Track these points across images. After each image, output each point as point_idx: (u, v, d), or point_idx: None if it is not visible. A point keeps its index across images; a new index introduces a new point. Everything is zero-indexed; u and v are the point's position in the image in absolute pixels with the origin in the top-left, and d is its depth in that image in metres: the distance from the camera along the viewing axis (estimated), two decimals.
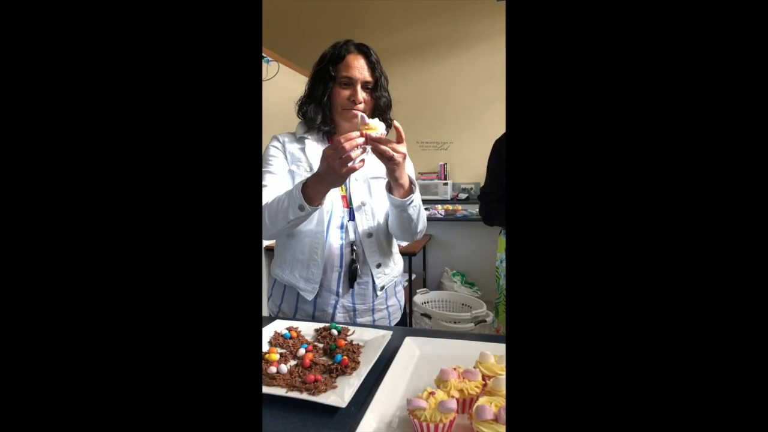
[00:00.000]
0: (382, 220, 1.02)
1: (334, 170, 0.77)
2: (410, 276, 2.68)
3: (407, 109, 3.34)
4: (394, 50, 3.41)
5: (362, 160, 0.78)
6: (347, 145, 0.75)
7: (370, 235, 1.00)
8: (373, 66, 0.99)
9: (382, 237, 1.03)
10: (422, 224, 1.00)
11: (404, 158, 0.84)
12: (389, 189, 0.92)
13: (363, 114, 0.83)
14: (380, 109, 1.02)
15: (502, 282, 1.25)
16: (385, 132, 0.82)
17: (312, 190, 0.83)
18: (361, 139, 0.77)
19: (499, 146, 1.27)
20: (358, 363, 0.71)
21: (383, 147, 0.80)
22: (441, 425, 0.51)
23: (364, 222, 1.00)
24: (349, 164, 0.77)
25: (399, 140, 0.82)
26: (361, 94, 0.97)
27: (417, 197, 0.94)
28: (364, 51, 0.99)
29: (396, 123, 0.84)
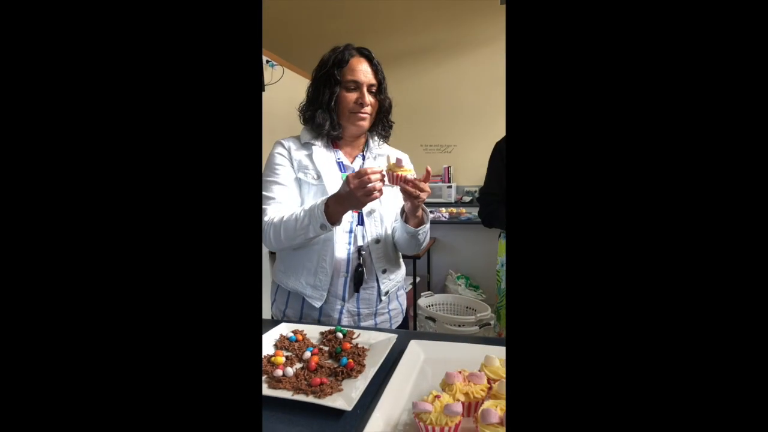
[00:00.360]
0: (389, 228, 1.03)
1: (357, 198, 0.82)
2: (414, 279, 2.68)
3: (411, 112, 3.35)
4: (399, 53, 3.42)
5: (380, 190, 0.84)
6: (373, 177, 0.81)
7: (378, 241, 1.01)
8: (376, 69, 1.00)
9: (389, 243, 1.04)
10: (426, 241, 1.04)
11: (427, 196, 0.89)
12: (402, 214, 0.98)
13: (399, 158, 0.88)
14: (385, 111, 1.04)
15: (504, 286, 1.25)
16: (414, 173, 0.89)
17: (333, 210, 0.87)
18: (378, 175, 0.83)
19: (500, 148, 1.27)
20: (364, 366, 0.71)
21: (411, 189, 0.86)
22: (447, 428, 0.51)
23: (373, 228, 1.01)
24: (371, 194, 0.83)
25: (426, 179, 0.87)
26: (368, 97, 0.98)
27: (428, 225, 1.00)
28: (366, 54, 1.00)
29: (428, 167, 0.89)
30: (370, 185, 0.81)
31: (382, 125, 1.06)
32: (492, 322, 2.18)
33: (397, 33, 3.47)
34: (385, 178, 0.85)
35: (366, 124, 1.01)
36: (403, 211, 0.98)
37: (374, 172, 0.82)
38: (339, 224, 0.91)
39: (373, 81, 0.99)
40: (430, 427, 0.52)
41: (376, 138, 1.08)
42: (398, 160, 0.87)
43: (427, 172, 0.87)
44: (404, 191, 0.87)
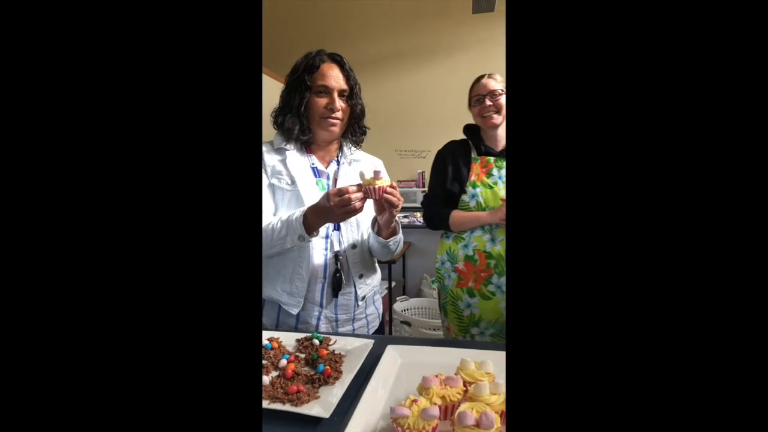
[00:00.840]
0: (365, 233, 1.03)
1: (336, 215, 0.83)
2: (390, 284, 2.69)
3: (386, 118, 3.37)
4: (373, 59, 3.44)
5: (361, 208, 0.84)
6: (354, 197, 0.82)
7: (354, 246, 1.01)
8: (347, 74, 1.01)
9: (365, 249, 1.04)
10: (399, 249, 1.06)
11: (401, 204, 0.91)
12: (374, 225, 0.99)
13: (378, 170, 0.88)
14: (356, 117, 1.05)
15: (446, 282, 1.31)
16: (389, 180, 0.89)
17: (311, 221, 0.88)
18: (359, 195, 0.83)
19: (441, 155, 1.37)
20: (341, 372, 0.71)
21: (392, 198, 0.86)
22: None
23: (350, 234, 1.01)
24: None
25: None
26: (339, 103, 0.98)
27: (400, 234, 1.02)
28: (338, 60, 1.01)
29: (393, 182, 0.89)
30: (350, 205, 0.81)
31: (353, 130, 1.07)
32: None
33: (372, 38, 3.49)
34: (365, 193, 0.85)
35: (337, 129, 1.01)
36: (374, 222, 0.99)
37: (355, 192, 0.82)
38: (317, 235, 0.91)
39: (345, 86, 1.00)
40: None
41: (349, 143, 1.09)
42: (376, 173, 0.87)
43: (392, 186, 0.88)
44: (386, 201, 0.87)
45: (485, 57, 3.25)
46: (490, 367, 0.66)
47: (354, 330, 1.03)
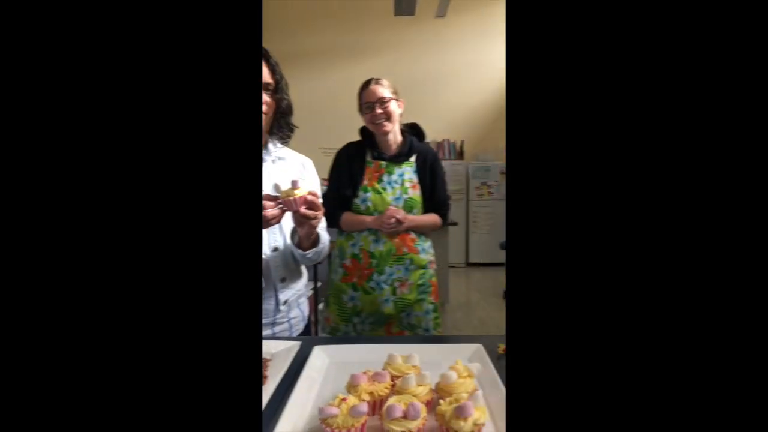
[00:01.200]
0: (288, 235, 1.00)
1: None
2: (315, 284, 2.65)
3: (311, 114, 3.31)
4: (299, 54, 3.37)
5: (279, 218, 0.82)
6: (269, 214, 0.79)
7: (276, 249, 0.97)
8: (272, 68, 0.97)
9: (288, 252, 1.00)
10: (323, 255, 1.04)
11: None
12: (293, 237, 0.97)
13: (295, 180, 0.83)
14: (283, 112, 1.01)
15: (333, 276, 1.42)
16: (315, 183, 0.86)
17: None
18: (276, 210, 0.80)
19: (339, 157, 1.45)
20: (266, 377, 0.68)
21: (311, 212, 0.83)
22: (353, 429, 0.52)
23: (271, 238, 0.97)
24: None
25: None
26: (263, 96, 0.94)
27: (323, 243, 1.00)
28: (263, 53, 0.97)
29: (307, 196, 0.85)
30: (264, 221, 0.78)
31: (279, 126, 1.03)
32: None
33: (295, 34, 3.41)
34: (283, 206, 0.81)
35: (262, 123, 0.97)
36: (294, 232, 0.96)
37: (269, 207, 0.78)
38: None
39: (269, 80, 0.96)
40: (337, 431, 0.52)
41: (275, 140, 1.05)
42: (293, 183, 0.81)
43: (312, 194, 0.85)
44: (303, 216, 0.82)
45: (408, 57, 3.35)
46: (416, 360, 0.68)
47: (274, 334, 0.99)
